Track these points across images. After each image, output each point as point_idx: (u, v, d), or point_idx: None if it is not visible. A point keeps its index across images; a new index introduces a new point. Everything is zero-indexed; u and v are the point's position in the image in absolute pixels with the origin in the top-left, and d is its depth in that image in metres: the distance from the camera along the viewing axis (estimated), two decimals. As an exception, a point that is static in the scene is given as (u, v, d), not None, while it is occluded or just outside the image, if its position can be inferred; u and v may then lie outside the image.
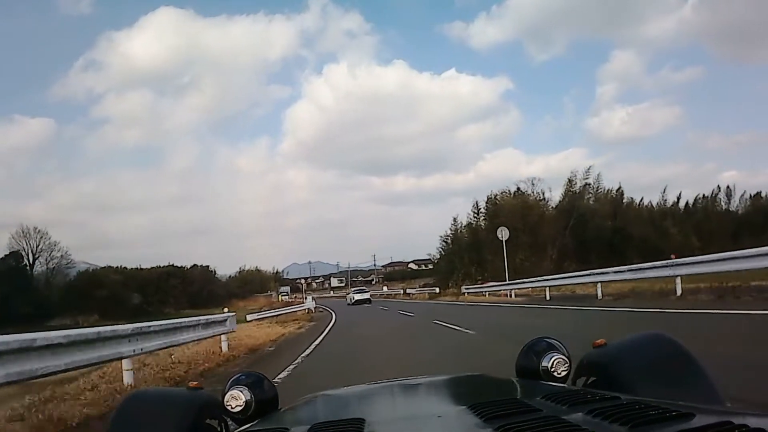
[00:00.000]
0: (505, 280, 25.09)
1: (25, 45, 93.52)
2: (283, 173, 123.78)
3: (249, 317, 24.30)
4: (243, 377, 1.39)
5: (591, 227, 35.45)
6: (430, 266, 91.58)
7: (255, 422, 1.21)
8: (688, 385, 1.10)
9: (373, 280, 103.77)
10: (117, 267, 54.07)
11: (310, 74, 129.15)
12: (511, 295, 22.88)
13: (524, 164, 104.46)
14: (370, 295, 43.14)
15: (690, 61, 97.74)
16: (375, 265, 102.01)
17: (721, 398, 1.06)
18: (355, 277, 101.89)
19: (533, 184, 39.11)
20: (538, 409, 0.86)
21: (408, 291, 48.52)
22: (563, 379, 1.30)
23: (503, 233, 27.30)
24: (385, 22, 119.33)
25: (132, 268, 56.88)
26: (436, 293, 37.01)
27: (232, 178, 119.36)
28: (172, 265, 61.25)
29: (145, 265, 64.37)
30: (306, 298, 39.13)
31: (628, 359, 1.20)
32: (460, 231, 42.93)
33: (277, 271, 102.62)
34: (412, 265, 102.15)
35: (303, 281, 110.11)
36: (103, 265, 60.85)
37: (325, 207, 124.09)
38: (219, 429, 1.32)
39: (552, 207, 38.84)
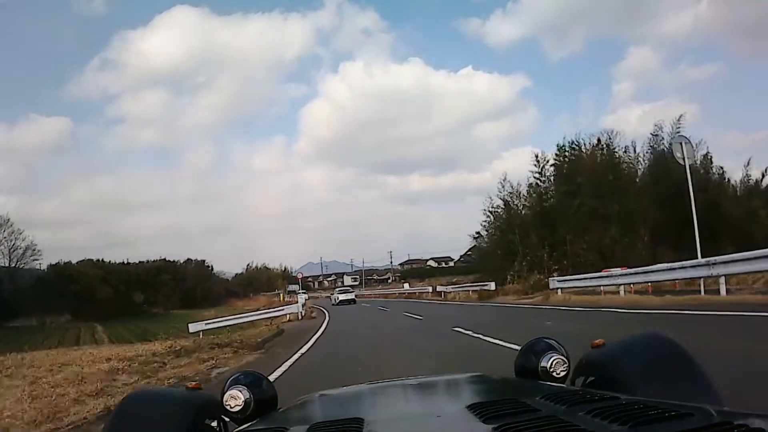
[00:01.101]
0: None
1: (40, 44, 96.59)
2: (299, 172, 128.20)
3: (193, 327, 21.04)
4: (242, 377, 1.40)
5: (683, 202, 23.06)
6: (451, 263, 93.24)
7: (254, 422, 1.23)
8: (686, 384, 1.13)
9: (389, 278, 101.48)
10: (96, 260, 43.69)
11: (326, 73, 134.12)
12: (620, 292, 16.02)
13: (541, 163, 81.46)
14: (385, 295, 41.36)
15: (707, 57, 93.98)
16: (391, 263, 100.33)
17: (719, 398, 1.09)
18: (370, 276, 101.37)
19: (609, 139, 28.54)
20: (537, 409, 0.89)
21: (439, 289, 37.55)
22: (562, 379, 1.32)
23: (684, 150, 16.13)
24: (401, 20, 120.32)
25: (116, 263, 46.35)
26: (489, 291, 26.10)
27: (248, 177, 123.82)
28: (164, 260, 50.83)
29: (133, 260, 59.17)
30: (300, 296, 33.45)
31: (627, 359, 1.21)
32: (517, 200, 31.19)
33: (285, 269, 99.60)
34: (431, 263, 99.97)
35: (313, 279, 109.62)
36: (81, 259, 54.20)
37: (340, 206, 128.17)
38: (218, 429, 1.34)
39: (640, 170, 28.09)
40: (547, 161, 29.15)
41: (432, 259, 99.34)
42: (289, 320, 21.71)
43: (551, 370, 1.33)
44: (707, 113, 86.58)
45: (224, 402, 1.31)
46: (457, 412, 0.97)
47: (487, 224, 32.12)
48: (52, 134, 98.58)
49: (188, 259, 58.34)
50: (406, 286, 48.10)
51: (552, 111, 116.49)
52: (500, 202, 30.88)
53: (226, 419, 1.34)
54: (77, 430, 4.93)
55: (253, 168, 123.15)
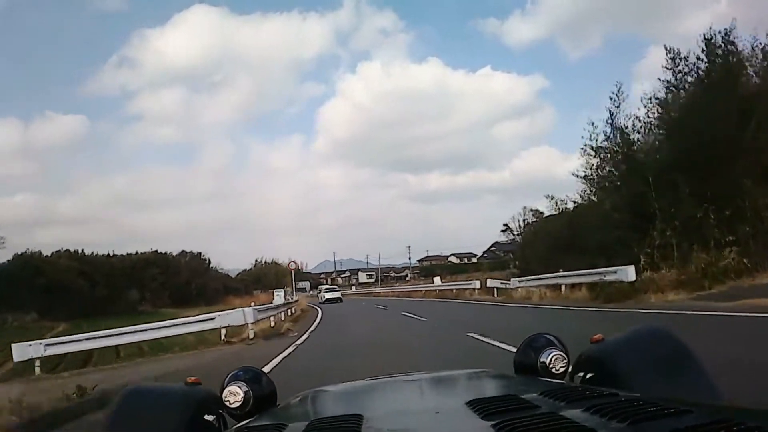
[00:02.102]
0: None
1: (58, 42, 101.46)
2: (316, 171, 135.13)
3: (22, 351, 12.20)
4: (241, 373, 1.43)
5: None
6: (474, 260, 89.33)
7: (253, 418, 1.26)
8: (686, 380, 1.15)
9: (407, 275, 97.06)
10: (74, 251, 34.54)
11: (344, 72, 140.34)
12: None
13: (560, 162, 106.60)
14: (408, 294, 38.89)
15: None
16: (410, 259, 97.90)
17: (719, 394, 1.11)
18: (386, 273, 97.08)
19: None
20: (536, 406, 0.91)
21: (492, 284, 25.62)
22: (561, 375, 1.34)
23: None
24: (419, 20, 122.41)
25: (97, 255, 37.03)
26: (619, 286, 14.18)
27: (265, 176, 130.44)
28: (155, 252, 41.71)
29: (119, 251, 53.61)
30: (278, 295, 26.66)
31: (626, 355, 1.23)
32: (641, 132, 18.17)
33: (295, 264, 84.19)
34: (453, 258, 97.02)
35: (326, 276, 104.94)
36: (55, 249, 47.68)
37: (357, 205, 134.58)
38: (217, 424, 1.36)
39: None
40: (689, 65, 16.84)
41: (453, 255, 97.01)
42: (224, 342, 13.35)
43: (550, 366, 1.34)
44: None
45: (223, 398, 1.33)
46: (456, 409, 0.98)
47: (590, 172, 19.66)
48: (69, 132, 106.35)
49: (182, 252, 50.04)
50: (437, 280, 38.75)
51: (570, 110, 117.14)
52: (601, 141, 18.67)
53: (225, 415, 1.36)
54: None
55: (270, 166, 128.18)
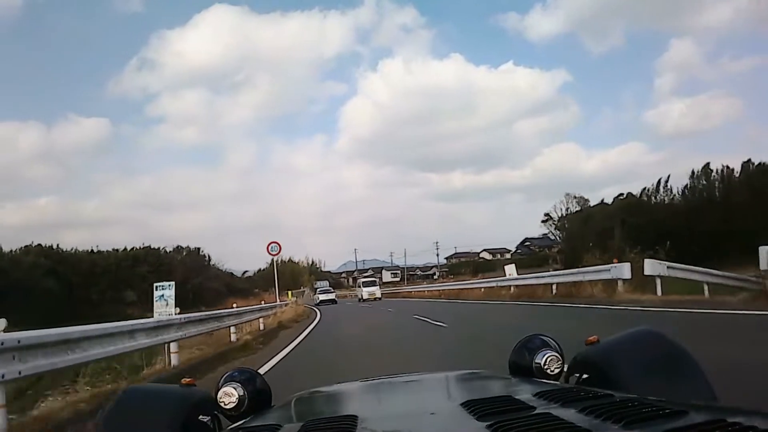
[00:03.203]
0: None
1: (79, 45, 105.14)
2: (339, 171, 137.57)
3: None
4: (236, 374, 1.46)
5: None
6: (507, 255, 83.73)
7: (248, 419, 1.29)
8: (681, 381, 1.17)
9: (434, 274, 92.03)
10: (47, 246, 26.69)
11: (365, 70, 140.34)
12: None
13: (582, 159, 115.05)
14: (457, 294, 32.96)
15: (749, 50, 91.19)
16: (437, 255, 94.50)
17: (714, 395, 1.14)
18: (412, 271, 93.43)
19: None
20: (531, 407, 0.93)
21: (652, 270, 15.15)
22: (556, 377, 1.37)
23: None
24: (440, 16, 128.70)
25: (77, 251, 29.48)
26: None
27: (286, 176, 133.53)
28: (147, 247, 34.08)
29: (105, 247, 47.18)
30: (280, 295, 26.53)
31: (621, 356, 1.25)
32: None
33: (312, 262, 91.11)
34: (485, 255, 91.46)
35: (347, 275, 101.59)
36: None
37: (380, 204, 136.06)
38: (212, 425, 1.38)
39: None
40: None
41: (485, 250, 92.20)
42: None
43: (545, 367, 1.36)
44: (749, 107, 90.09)
45: (218, 399, 1.36)
46: (451, 410, 1.01)
47: None
48: (91, 134, 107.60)
49: (177, 247, 43.27)
50: (511, 271, 25.39)
51: (592, 106, 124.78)
52: None
53: (220, 416, 1.39)
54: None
55: (292, 167, 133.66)
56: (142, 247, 45.91)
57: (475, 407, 0.92)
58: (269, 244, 27.25)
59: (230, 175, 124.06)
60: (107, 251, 43.87)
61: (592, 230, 35.96)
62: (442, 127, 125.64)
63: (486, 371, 1.62)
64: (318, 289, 51.86)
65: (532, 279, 22.62)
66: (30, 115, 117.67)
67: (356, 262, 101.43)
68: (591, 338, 1.35)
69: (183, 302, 38.11)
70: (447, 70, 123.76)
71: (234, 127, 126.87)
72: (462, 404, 0.97)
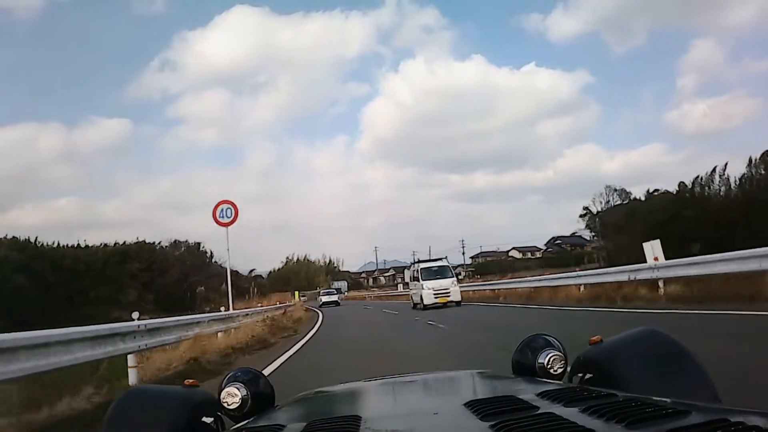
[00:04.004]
0: None
1: (100, 46, 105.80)
2: (360, 172, 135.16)
3: None
4: (239, 374, 1.48)
5: None
6: (537, 254, 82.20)
7: (251, 419, 1.30)
8: (684, 381, 1.19)
9: (460, 273, 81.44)
10: (24, 240, 21.39)
11: (387, 71, 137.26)
12: None
13: (604, 160, 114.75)
14: (532, 296, 24.61)
15: None
16: (463, 253, 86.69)
17: (717, 395, 1.16)
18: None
19: None
20: (534, 406, 0.95)
21: None
22: (559, 376, 1.39)
23: None
24: (462, 16, 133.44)
25: (58, 245, 24.00)
26: None
27: (308, 177, 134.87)
28: (142, 242, 28.95)
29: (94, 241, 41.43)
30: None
31: (624, 356, 1.27)
32: None
33: (329, 261, 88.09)
34: (514, 253, 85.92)
35: (367, 275, 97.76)
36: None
37: (401, 205, 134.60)
38: (215, 426, 1.39)
39: None
40: None
41: (515, 249, 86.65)
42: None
43: (548, 367, 1.38)
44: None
45: (221, 399, 1.39)
46: (454, 410, 1.02)
47: None
48: (112, 135, 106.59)
49: (175, 242, 38.49)
50: (657, 253, 16.06)
51: (614, 107, 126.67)
52: None
53: (223, 416, 1.42)
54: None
55: (313, 168, 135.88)
56: (135, 242, 41.43)
57: (479, 407, 0.94)
58: (217, 206, 16.62)
59: (250, 176, 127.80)
60: (95, 246, 39.56)
61: (641, 224, 34.10)
62: (464, 128, 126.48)
63: (489, 371, 1.64)
64: (322, 291, 52.64)
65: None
66: (51, 117, 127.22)
67: (376, 261, 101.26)
68: (594, 338, 1.37)
69: (179, 303, 32.12)
70: (469, 71, 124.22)
71: (255, 128, 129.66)
72: (465, 404, 0.99)
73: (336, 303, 43.53)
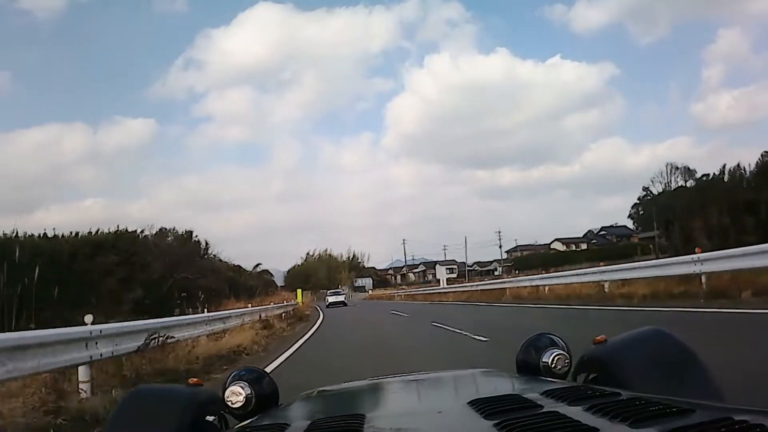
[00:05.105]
0: None
1: (124, 46, 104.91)
2: (386, 168, 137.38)
3: None
4: (243, 373, 1.50)
5: None
6: (582, 246, 76.15)
7: (255, 418, 1.31)
8: (688, 381, 1.21)
9: (495, 269, 78.82)
10: None
11: (411, 66, 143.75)
12: None
13: (630, 154, 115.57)
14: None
15: None
16: (500, 246, 78.86)
17: (721, 394, 1.18)
18: (470, 266, 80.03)
19: None
20: (538, 405, 0.96)
21: None
22: (563, 375, 1.40)
23: None
24: (485, 10, 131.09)
25: (17, 235, 16.15)
26: None
27: (333, 174, 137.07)
28: (123, 230, 20.76)
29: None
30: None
31: (629, 355, 1.28)
32: None
33: (353, 256, 70.39)
34: (557, 245, 76.68)
35: (394, 272, 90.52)
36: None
37: (427, 202, 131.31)
38: (219, 425, 1.44)
39: None
40: None
41: (557, 240, 78.00)
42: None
43: (552, 366, 1.39)
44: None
45: (225, 398, 1.40)
46: (458, 408, 1.02)
47: None
48: (137, 135, 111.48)
49: (161, 230, 32.17)
50: None
51: (640, 99, 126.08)
52: None
53: (227, 415, 1.47)
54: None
55: (339, 165, 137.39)
56: (115, 230, 35.10)
57: (482, 406, 0.94)
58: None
59: (275, 173, 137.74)
60: (62, 235, 33.42)
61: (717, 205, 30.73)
62: (489, 123, 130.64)
63: (493, 370, 1.68)
64: (329, 291, 52.14)
65: None
66: (76, 117, 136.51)
67: (405, 254, 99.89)
68: (599, 338, 1.41)
69: (167, 303, 24.85)
70: (493, 65, 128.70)
71: (280, 125, 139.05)
72: (469, 403, 0.99)
73: (343, 303, 44.36)
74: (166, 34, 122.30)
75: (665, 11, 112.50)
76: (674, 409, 0.77)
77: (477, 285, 37.26)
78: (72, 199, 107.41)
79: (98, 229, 36.93)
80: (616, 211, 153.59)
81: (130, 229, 39.58)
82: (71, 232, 37.13)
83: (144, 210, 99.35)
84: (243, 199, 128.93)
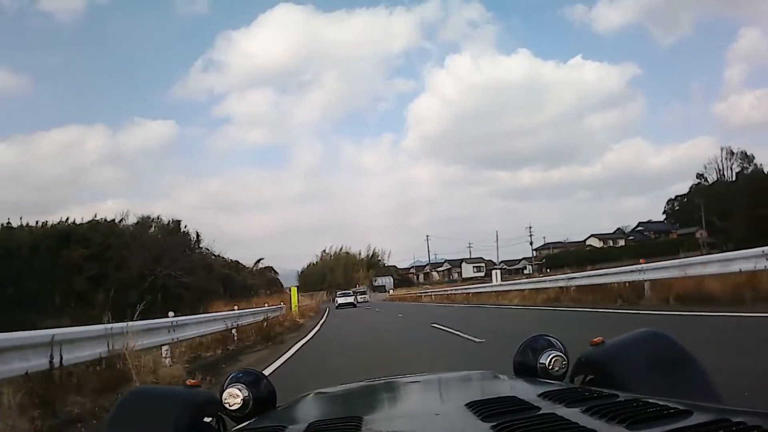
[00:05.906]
0: None
1: (144, 48, 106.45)
2: (407, 169, 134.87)
3: None
4: (241, 375, 1.53)
5: None
6: (620, 242, 71.80)
7: (252, 420, 1.36)
8: (685, 382, 1.23)
9: (524, 267, 73.85)
10: None
11: (432, 66, 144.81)
12: None
13: (652, 154, 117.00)
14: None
15: None
16: (531, 243, 72.92)
17: (718, 396, 1.21)
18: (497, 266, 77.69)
19: None
20: (535, 407, 0.98)
21: None
22: (561, 377, 1.44)
23: None
24: (506, 10, 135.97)
25: None
26: None
27: (354, 176, 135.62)
28: (98, 221, 14.77)
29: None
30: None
31: (626, 357, 1.31)
32: None
33: (372, 253, 75.15)
34: (593, 241, 70.96)
35: (416, 271, 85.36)
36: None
37: (448, 203, 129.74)
38: (216, 427, 1.48)
39: None
40: None
41: (594, 236, 72.30)
42: None
43: (550, 367, 1.41)
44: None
45: (223, 400, 1.43)
46: (455, 410, 1.04)
47: None
48: (157, 136, 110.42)
49: (144, 218, 27.31)
50: None
51: (661, 100, 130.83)
52: None
53: (225, 417, 1.51)
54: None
55: (359, 166, 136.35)
56: (91, 220, 31.34)
57: (480, 408, 0.95)
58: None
59: (295, 174, 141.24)
60: (26, 225, 29.75)
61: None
62: (511, 123, 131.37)
63: (490, 372, 1.69)
64: (338, 293, 50.77)
65: None
66: (97, 119, 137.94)
67: (428, 251, 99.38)
68: (596, 339, 1.43)
69: (149, 303, 20.33)
70: (515, 66, 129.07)
71: (301, 126, 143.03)
72: (466, 405, 1.00)
73: (352, 305, 44.02)
74: (186, 36, 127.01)
75: (686, 11, 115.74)
76: (672, 411, 0.78)
77: (570, 277, 22.08)
78: (93, 201, 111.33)
79: (67, 218, 34.46)
80: (638, 210, 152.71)
81: (108, 219, 37.10)
82: (37, 222, 34.92)
83: (165, 211, 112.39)
84: (263, 200, 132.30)
